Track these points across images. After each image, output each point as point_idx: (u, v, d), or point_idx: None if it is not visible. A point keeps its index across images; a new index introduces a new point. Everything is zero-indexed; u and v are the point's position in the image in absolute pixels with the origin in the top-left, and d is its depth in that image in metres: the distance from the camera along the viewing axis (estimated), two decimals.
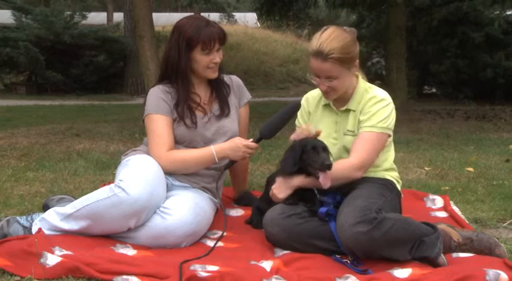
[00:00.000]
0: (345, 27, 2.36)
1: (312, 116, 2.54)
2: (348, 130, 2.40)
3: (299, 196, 2.33)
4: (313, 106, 2.54)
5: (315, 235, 2.20)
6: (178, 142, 2.57)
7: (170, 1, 28.53)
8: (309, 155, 2.25)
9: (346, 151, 2.39)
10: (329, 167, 2.19)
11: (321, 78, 2.30)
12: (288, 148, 2.37)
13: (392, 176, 2.47)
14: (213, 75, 2.61)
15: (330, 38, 2.25)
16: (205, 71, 2.58)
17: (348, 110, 2.41)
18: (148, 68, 6.27)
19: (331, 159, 2.29)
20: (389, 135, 2.39)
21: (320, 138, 2.43)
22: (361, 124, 2.35)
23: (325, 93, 2.37)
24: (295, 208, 2.28)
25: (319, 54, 2.24)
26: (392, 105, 2.37)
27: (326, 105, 2.49)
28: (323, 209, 2.22)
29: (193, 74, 2.60)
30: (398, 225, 2.06)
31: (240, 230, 2.55)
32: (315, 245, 2.20)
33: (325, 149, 2.28)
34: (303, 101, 2.58)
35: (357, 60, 2.34)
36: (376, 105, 2.34)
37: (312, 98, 2.57)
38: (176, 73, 2.56)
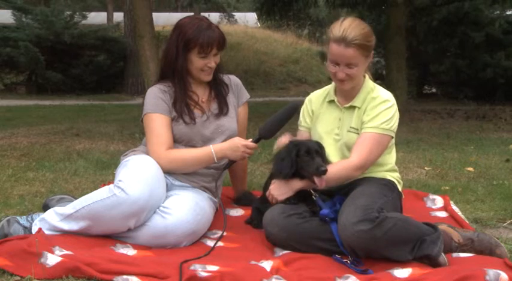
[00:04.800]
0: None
1: (316, 114, 2.54)
2: (351, 127, 2.40)
3: (300, 196, 2.33)
4: (317, 105, 2.55)
5: (315, 235, 2.20)
6: (177, 141, 2.58)
7: (170, 1, 28.53)
8: (303, 159, 2.25)
9: (348, 148, 2.39)
10: (324, 172, 2.20)
11: (341, 65, 2.30)
12: (281, 149, 2.36)
13: (394, 176, 2.48)
14: (207, 78, 2.62)
15: (352, 25, 2.27)
16: (199, 73, 2.58)
17: (352, 107, 2.41)
18: (148, 68, 6.27)
19: (329, 159, 2.29)
20: (392, 137, 2.39)
21: (323, 134, 2.43)
22: (363, 124, 2.35)
23: (341, 82, 2.35)
24: (295, 208, 2.28)
25: (343, 40, 2.25)
26: (396, 107, 2.37)
27: (331, 102, 2.49)
28: (324, 211, 2.22)
29: (190, 74, 2.61)
30: (400, 225, 2.06)
31: (240, 230, 2.55)
32: (315, 246, 2.20)
33: (318, 151, 2.28)
34: (306, 101, 2.59)
35: (372, 52, 2.36)
36: (379, 106, 2.35)
37: (315, 97, 2.58)
38: (173, 71, 2.58)
